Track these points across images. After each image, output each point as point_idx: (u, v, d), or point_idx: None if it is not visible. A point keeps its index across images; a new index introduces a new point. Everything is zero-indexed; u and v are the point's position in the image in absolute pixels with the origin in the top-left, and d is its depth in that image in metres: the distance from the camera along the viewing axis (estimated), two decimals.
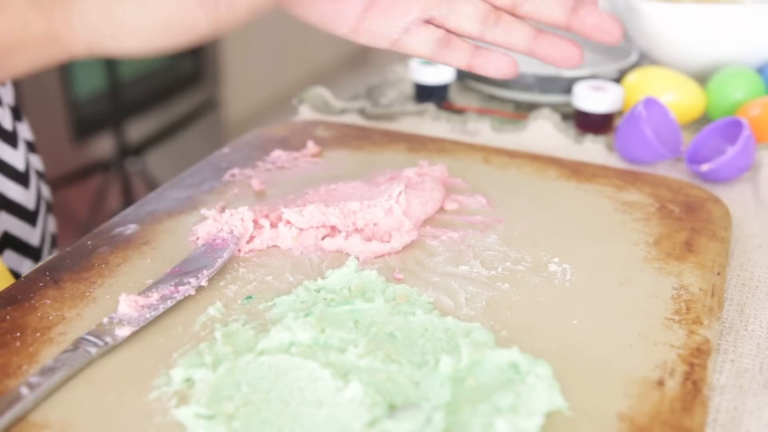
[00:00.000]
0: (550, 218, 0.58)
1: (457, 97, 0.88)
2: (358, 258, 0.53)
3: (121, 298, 0.46)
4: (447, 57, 0.49)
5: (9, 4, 0.41)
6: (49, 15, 0.41)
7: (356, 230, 0.55)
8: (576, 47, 0.47)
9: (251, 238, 0.54)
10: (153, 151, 2.31)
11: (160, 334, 0.45)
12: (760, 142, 0.70)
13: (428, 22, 0.49)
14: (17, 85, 0.75)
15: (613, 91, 0.76)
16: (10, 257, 0.67)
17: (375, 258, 0.53)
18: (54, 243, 0.76)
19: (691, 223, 0.58)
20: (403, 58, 0.85)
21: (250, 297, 0.49)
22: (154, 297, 0.47)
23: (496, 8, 0.48)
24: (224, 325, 0.46)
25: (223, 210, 0.58)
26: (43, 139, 1.94)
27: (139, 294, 0.48)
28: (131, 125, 2.20)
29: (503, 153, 0.69)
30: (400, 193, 0.56)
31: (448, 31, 0.49)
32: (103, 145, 2.14)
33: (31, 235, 0.69)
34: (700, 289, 0.50)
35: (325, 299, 0.47)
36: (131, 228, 0.57)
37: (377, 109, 0.80)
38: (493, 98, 0.87)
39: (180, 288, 0.48)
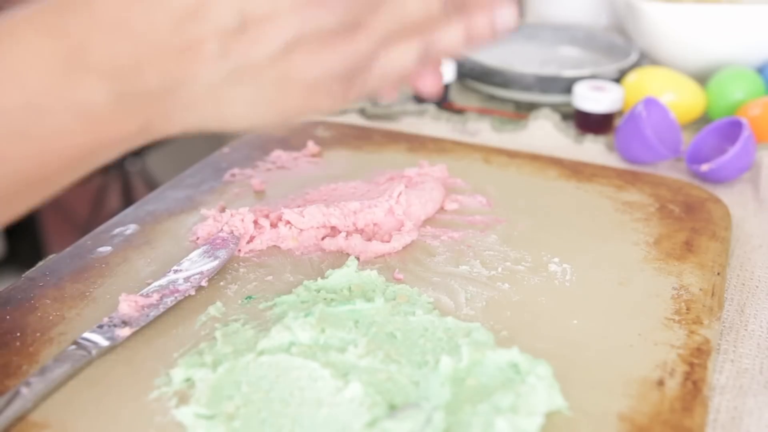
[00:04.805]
0: (550, 218, 0.58)
1: (457, 97, 0.88)
2: (358, 258, 0.53)
3: (121, 298, 0.46)
4: None
5: (87, 110, 0.33)
6: (145, 113, 0.35)
7: (356, 230, 0.55)
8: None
9: (251, 238, 0.54)
10: (153, 151, 2.31)
11: (160, 334, 0.45)
12: (760, 142, 0.70)
13: None
14: None
15: (613, 91, 0.76)
16: None
17: (375, 258, 0.53)
18: None
19: (691, 223, 0.58)
20: None
21: (250, 297, 0.49)
22: (154, 297, 0.47)
23: None
24: (224, 324, 0.46)
25: (223, 210, 0.58)
26: None
27: (139, 294, 0.48)
28: None
29: (503, 153, 0.69)
30: (400, 193, 0.56)
31: None
32: None
33: None
34: (700, 289, 0.50)
35: (325, 299, 0.47)
36: (131, 228, 0.57)
37: (377, 109, 0.80)
38: (493, 98, 0.87)
39: (180, 288, 0.48)
